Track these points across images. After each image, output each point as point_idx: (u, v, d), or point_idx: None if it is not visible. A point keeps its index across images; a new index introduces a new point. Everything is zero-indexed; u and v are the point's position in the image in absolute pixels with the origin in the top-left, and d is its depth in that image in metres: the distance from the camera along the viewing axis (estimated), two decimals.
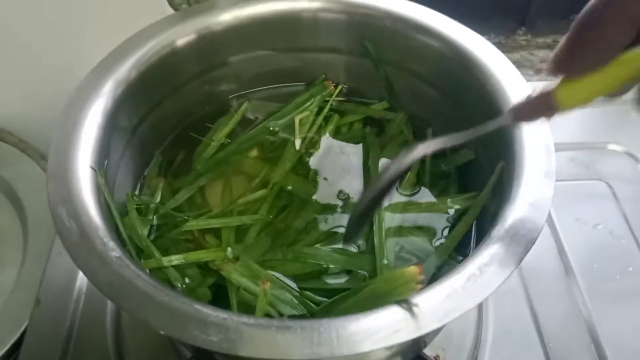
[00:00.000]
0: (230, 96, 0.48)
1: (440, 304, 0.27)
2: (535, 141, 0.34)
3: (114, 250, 0.29)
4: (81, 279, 0.50)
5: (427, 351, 0.43)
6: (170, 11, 0.52)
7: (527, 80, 0.41)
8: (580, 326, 0.47)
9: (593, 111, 0.64)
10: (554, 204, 0.56)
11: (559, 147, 0.60)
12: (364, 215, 0.33)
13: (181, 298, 0.27)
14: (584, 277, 0.50)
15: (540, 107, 0.28)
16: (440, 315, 0.26)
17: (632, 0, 0.23)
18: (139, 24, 0.40)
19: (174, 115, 0.43)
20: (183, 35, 0.40)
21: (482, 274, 0.27)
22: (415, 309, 0.27)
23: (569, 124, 0.63)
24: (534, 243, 0.29)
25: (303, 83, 0.49)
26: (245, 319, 0.26)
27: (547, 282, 0.50)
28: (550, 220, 0.54)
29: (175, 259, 0.36)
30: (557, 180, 0.58)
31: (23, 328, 0.49)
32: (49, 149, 0.33)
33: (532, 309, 0.48)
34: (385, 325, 0.26)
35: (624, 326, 0.47)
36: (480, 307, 0.47)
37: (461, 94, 0.42)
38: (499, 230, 0.29)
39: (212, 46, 0.42)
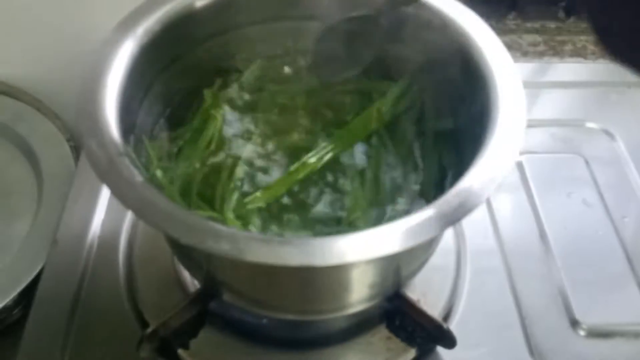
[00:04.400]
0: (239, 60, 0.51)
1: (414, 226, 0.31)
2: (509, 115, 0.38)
3: (138, 177, 0.33)
4: (95, 224, 0.54)
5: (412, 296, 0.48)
6: None
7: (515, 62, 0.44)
8: (550, 281, 0.52)
9: (573, 91, 0.68)
10: (532, 174, 0.61)
11: (541, 123, 0.65)
12: None
13: (196, 217, 0.31)
14: (556, 238, 0.55)
15: None
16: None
17: None
18: None
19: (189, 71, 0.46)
20: None
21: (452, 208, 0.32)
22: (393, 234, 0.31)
23: (550, 102, 0.68)
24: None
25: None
26: (252, 234, 0.31)
27: (521, 241, 0.54)
28: (527, 188, 0.59)
29: None
30: (537, 153, 0.63)
31: (39, 268, 0.52)
32: (82, 85, 0.37)
33: (507, 263, 0.52)
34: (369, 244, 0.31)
35: (589, 279, 0.52)
36: (458, 260, 0.52)
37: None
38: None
39: (228, 10, 0.45)
